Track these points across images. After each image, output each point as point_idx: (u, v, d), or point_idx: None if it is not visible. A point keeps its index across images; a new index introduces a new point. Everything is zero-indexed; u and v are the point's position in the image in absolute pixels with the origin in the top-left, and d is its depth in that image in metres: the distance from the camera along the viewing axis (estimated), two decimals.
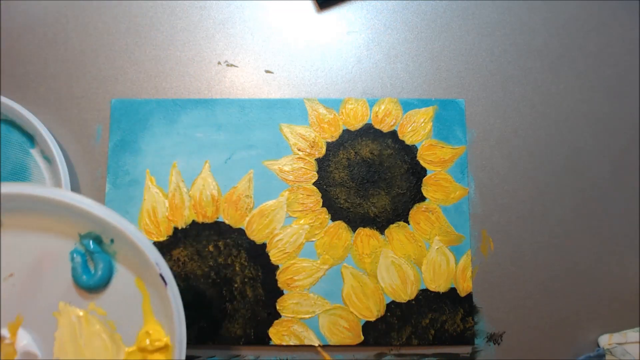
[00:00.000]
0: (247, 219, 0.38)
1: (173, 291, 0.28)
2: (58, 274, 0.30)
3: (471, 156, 0.40)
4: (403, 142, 0.40)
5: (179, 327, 0.28)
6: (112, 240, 0.30)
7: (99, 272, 0.29)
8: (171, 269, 0.37)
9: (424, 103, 0.40)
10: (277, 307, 0.37)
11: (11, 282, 0.29)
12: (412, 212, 0.39)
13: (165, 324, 0.29)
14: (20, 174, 0.39)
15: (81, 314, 0.29)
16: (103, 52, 0.41)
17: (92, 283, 0.29)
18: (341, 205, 0.39)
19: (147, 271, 0.29)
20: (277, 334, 0.37)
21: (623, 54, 0.41)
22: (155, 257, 0.28)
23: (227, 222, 0.38)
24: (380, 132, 0.40)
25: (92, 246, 0.29)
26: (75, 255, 0.30)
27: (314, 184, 0.39)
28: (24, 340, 0.29)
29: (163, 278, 0.28)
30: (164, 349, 0.29)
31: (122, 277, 0.30)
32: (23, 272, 0.29)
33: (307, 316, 0.37)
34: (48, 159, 0.39)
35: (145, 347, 0.29)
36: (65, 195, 0.28)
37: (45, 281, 0.30)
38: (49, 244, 0.30)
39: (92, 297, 0.30)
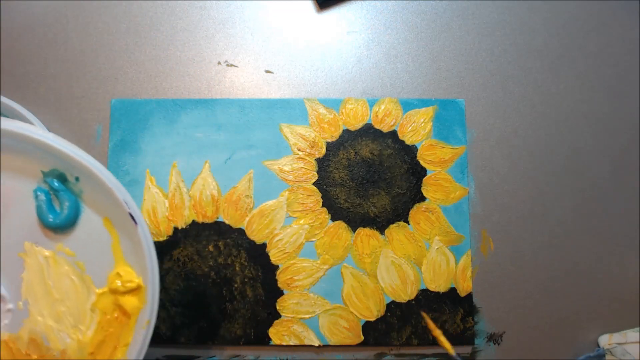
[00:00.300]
0: (247, 219, 0.38)
1: (144, 230, 0.27)
2: (22, 213, 0.28)
3: (471, 156, 0.40)
4: (403, 142, 0.40)
5: (151, 267, 0.27)
6: (77, 179, 0.28)
7: (65, 211, 0.28)
8: (171, 268, 0.37)
9: (424, 103, 0.40)
10: (277, 307, 0.37)
11: None
12: (412, 212, 0.39)
13: (136, 266, 0.28)
14: None
15: (48, 254, 0.28)
16: (103, 52, 0.41)
17: (58, 222, 0.28)
18: (341, 205, 0.39)
19: (115, 211, 0.28)
20: (277, 334, 0.37)
21: (623, 54, 0.41)
22: (124, 195, 0.27)
23: (227, 222, 0.38)
24: (380, 132, 0.40)
25: (56, 184, 0.28)
26: (39, 193, 0.28)
27: (314, 184, 0.39)
28: None
29: (133, 217, 0.27)
30: (136, 290, 0.28)
31: (90, 217, 0.29)
32: None
33: (307, 316, 0.37)
34: None
35: (117, 288, 0.28)
36: (26, 129, 0.27)
37: (9, 220, 0.28)
38: (12, 182, 0.28)
39: (59, 238, 0.28)
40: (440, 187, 0.39)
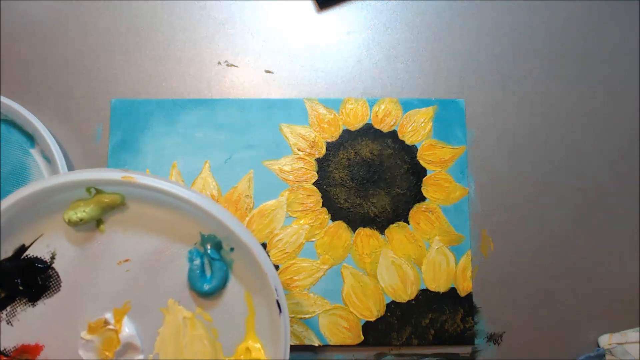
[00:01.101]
0: (247, 219, 0.38)
1: (285, 319, 0.28)
2: (174, 271, 0.29)
3: (471, 156, 0.40)
4: (403, 142, 0.40)
5: (284, 352, 0.28)
6: (232, 249, 0.29)
7: (215, 280, 0.29)
8: None
9: (424, 103, 0.40)
10: None
11: (125, 267, 0.29)
12: (412, 212, 0.39)
13: (267, 346, 0.29)
14: (20, 174, 0.39)
15: (188, 315, 0.29)
16: (103, 52, 0.41)
17: (207, 289, 0.29)
18: (341, 205, 0.39)
19: (260, 290, 0.29)
20: None
21: (623, 54, 0.41)
22: (275, 281, 0.28)
23: None
24: (380, 132, 0.40)
25: (212, 253, 0.29)
26: (195, 257, 0.29)
27: (314, 184, 0.39)
28: (127, 329, 0.29)
29: (279, 305, 0.28)
30: None
31: (234, 288, 0.30)
32: (139, 261, 0.29)
33: (307, 316, 0.37)
34: (48, 159, 0.39)
35: None
36: (194, 195, 0.28)
37: (160, 275, 0.29)
38: (170, 238, 0.29)
39: (201, 302, 0.30)
40: (440, 187, 0.39)
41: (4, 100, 0.37)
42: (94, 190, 0.29)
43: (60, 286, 0.29)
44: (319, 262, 0.38)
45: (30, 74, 0.41)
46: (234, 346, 0.29)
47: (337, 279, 0.38)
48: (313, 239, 0.38)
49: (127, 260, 0.29)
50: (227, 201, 0.39)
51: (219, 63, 0.41)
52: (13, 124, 0.39)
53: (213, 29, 0.42)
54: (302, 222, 0.38)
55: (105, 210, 0.29)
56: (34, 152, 0.39)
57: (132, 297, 0.29)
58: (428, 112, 0.40)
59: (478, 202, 0.39)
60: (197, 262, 0.29)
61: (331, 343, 0.37)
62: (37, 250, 0.30)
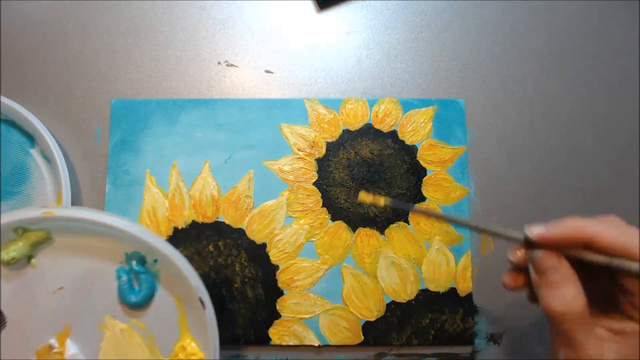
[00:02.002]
0: (247, 219, 0.38)
1: (210, 314, 0.31)
2: (105, 289, 0.32)
3: (471, 156, 0.40)
4: (403, 142, 0.40)
5: (213, 344, 0.30)
6: (155, 260, 0.32)
7: (143, 291, 0.32)
8: None
9: (424, 103, 0.40)
10: (277, 307, 0.37)
11: (61, 294, 0.32)
12: (412, 212, 0.39)
13: (199, 340, 0.32)
14: (20, 174, 0.39)
15: (124, 327, 0.32)
16: (103, 52, 0.41)
17: (137, 301, 0.32)
18: (341, 205, 0.39)
19: (186, 292, 0.31)
20: (277, 334, 0.37)
21: (623, 54, 0.41)
22: (197, 281, 0.31)
23: (227, 222, 0.38)
24: (380, 132, 0.40)
25: (138, 267, 0.32)
26: (122, 274, 0.32)
27: (314, 184, 0.39)
28: (72, 350, 0.32)
29: (202, 301, 0.30)
30: None
31: (163, 295, 0.32)
32: (72, 286, 0.32)
33: (307, 316, 0.37)
34: (48, 159, 0.39)
35: (182, 359, 0.31)
36: (112, 219, 0.30)
37: (93, 296, 0.32)
38: (97, 261, 0.32)
39: (134, 313, 0.32)
40: (440, 187, 0.39)
41: (4, 100, 0.37)
42: (21, 230, 0.31)
43: (5, 322, 0.32)
44: (319, 262, 0.38)
45: (30, 74, 0.41)
46: (171, 347, 0.32)
47: (337, 279, 0.38)
48: (313, 239, 0.38)
49: (61, 288, 0.32)
50: (227, 201, 0.39)
51: (219, 63, 0.41)
52: (13, 124, 0.39)
53: (213, 29, 0.42)
54: (302, 222, 0.38)
55: (34, 246, 0.32)
56: (34, 152, 0.39)
57: (71, 319, 0.32)
58: (428, 112, 0.40)
59: (478, 202, 0.39)
60: (124, 278, 0.32)
61: (331, 343, 0.37)
62: None
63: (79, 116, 0.40)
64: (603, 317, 0.22)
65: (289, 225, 0.38)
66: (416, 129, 0.40)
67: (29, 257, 0.32)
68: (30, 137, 0.39)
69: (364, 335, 0.37)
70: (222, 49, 0.41)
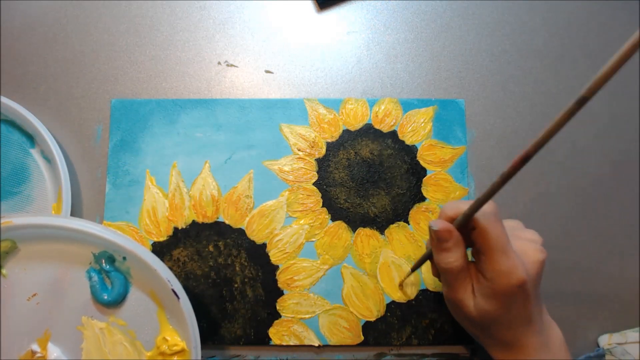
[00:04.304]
0: (247, 219, 0.38)
1: (185, 303, 0.31)
2: (78, 291, 0.33)
3: (471, 156, 0.40)
4: (403, 142, 0.40)
5: (193, 333, 0.31)
6: (124, 258, 0.32)
7: (116, 289, 0.32)
8: (171, 269, 0.37)
9: (424, 103, 0.40)
10: (277, 307, 0.37)
11: (35, 300, 0.32)
12: (412, 212, 0.39)
13: (179, 331, 0.32)
14: (20, 174, 0.39)
15: (103, 326, 0.32)
16: (103, 52, 0.41)
17: (110, 299, 0.32)
18: (341, 205, 0.39)
19: (159, 285, 0.32)
20: (277, 334, 0.37)
21: None
22: (166, 274, 0.31)
23: (227, 222, 0.38)
24: (380, 132, 0.40)
25: (107, 267, 0.32)
26: (92, 274, 0.32)
27: (314, 184, 0.39)
28: (54, 353, 0.32)
29: (175, 293, 0.31)
30: (181, 352, 0.32)
31: (137, 290, 0.33)
32: (45, 292, 0.32)
33: (307, 316, 0.37)
34: (48, 159, 0.39)
35: (164, 351, 0.32)
36: (75, 222, 0.31)
37: (67, 299, 0.33)
38: (66, 264, 0.33)
39: (111, 311, 0.33)
40: (440, 187, 0.39)
41: (4, 100, 0.37)
42: None
43: None
44: (319, 262, 0.38)
45: (30, 74, 0.41)
46: (152, 340, 0.32)
47: (337, 279, 0.38)
48: (313, 239, 0.38)
49: (34, 295, 0.32)
50: (227, 201, 0.39)
51: (219, 63, 0.41)
52: (13, 124, 0.39)
53: (213, 29, 0.42)
54: (302, 222, 0.38)
55: (1, 256, 0.32)
56: (34, 152, 0.39)
57: (50, 324, 0.32)
58: (428, 112, 0.40)
59: None
60: (95, 278, 0.32)
61: (331, 343, 0.37)
62: None
63: (79, 116, 0.40)
64: (475, 270, 0.30)
65: (289, 225, 0.38)
66: (416, 129, 0.40)
67: None
68: (30, 137, 0.39)
69: (364, 335, 0.37)
70: (222, 49, 0.41)
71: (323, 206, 0.39)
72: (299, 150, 0.39)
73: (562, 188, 0.39)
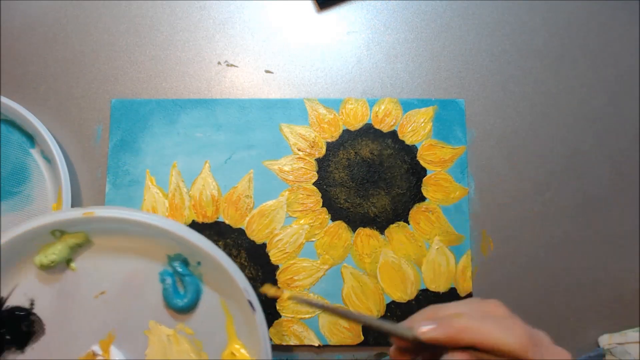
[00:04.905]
0: (247, 219, 0.38)
1: (260, 317, 0.29)
2: (148, 293, 0.31)
3: (471, 156, 0.40)
4: (403, 142, 0.40)
5: (265, 348, 0.29)
6: (199, 263, 0.31)
7: (189, 295, 0.30)
8: None
9: (424, 103, 0.40)
10: (277, 307, 0.37)
11: (103, 299, 0.31)
12: (412, 212, 0.39)
13: (249, 345, 0.30)
14: (20, 174, 0.39)
15: (171, 333, 0.31)
16: (103, 52, 0.41)
17: (183, 305, 0.30)
18: (341, 205, 0.39)
19: (234, 295, 0.30)
20: (277, 334, 0.37)
21: (623, 54, 0.41)
22: (244, 284, 0.29)
23: (227, 222, 0.38)
24: (380, 132, 0.40)
25: (181, 269, 0.30)
26: (166, 277, 0.30)
27: (314, 184, 0.39)
28: (116, 357, 0.30)
29: (251, 304, 0.29)
30: None
31: (209, 298, 0.31)
32: (114, 291, 0.31)
33: (307, 316, 0.37)
34: (48, 159, 0.39)
35: None
36: (155, 218, 0.29)
37: (136, 300, 0.31)
38: (139, 264, 0.31)
39: (181, 318, 0.31)
40: (440, 187, 0.39)
41: (4, 100, 0.37)
42: (58, 232, 0.30)
43: (45, 329, 0.31)
44: (319, 262, 0.38)
45: (30, 74, 0.41)
46: (219, 353, 0.30)
47: (337, 279, 0.38)
48: (313, 239, 0.38)
49: (103, 292, 0.31)
50: (227, 201, 0.39)
51: (219, 63, 0.41)
52: (13, 124, 0.39)
53: (213, 29, 0.42)
54: (302, 222, 0.38)
55: (73, 249, 0.30)
56: (34, 152, 0.39)
57: (115, 325, 0.31)
58: (428, 112, 0.40)
59: (478, 202, 0.39)
60: (169, 281, 0.30)
61: (331, 343, 0.37)
62: (15, 300, 0.31)
63: (79, 116, 0.40)
64: None
65: (289, 225, 0.38)
66: (416, 129, 0.40)
67: (68, 261, 0.31)
68: (30, 137, 0.39)
69: (364, 335, 0.37)
70: (222, 49, 0.41)
71: (323, 206, 0.39)
72: (299, 150, 0.39)
73: (562, 188, 0.39)
